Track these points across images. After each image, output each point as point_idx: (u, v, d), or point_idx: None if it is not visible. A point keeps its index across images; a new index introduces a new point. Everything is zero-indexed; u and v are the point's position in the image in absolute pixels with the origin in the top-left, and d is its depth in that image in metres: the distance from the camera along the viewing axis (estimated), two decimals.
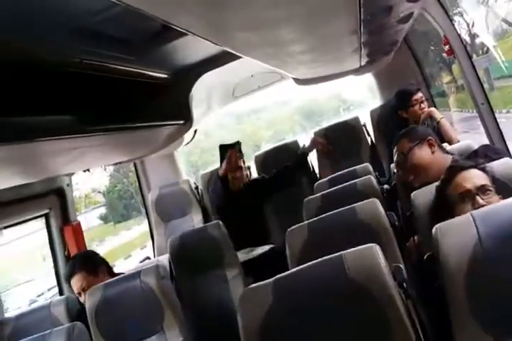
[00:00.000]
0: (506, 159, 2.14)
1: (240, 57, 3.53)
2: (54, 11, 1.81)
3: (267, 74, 4.83)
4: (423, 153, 2.47)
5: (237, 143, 3.92)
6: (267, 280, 1.56)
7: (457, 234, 1.32)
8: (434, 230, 1.36)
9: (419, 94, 3.96)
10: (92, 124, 2.45)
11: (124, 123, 2.78)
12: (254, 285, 1.58)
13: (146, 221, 4.86)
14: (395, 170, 2.70)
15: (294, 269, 1.58)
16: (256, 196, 3.90)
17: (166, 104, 3.59)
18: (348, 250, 1.52)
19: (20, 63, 1.99)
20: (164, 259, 3.18)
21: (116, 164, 4.02)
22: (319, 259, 1.55)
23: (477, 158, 2.22)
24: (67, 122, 2.33)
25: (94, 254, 2.91)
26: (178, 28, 1.40)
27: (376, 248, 1.50)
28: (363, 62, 3.70)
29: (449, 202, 1.88)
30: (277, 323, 1.47)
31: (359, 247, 1.54)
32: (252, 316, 1.50)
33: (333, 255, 1.53)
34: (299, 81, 4.07)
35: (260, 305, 1.50)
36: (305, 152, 4.26)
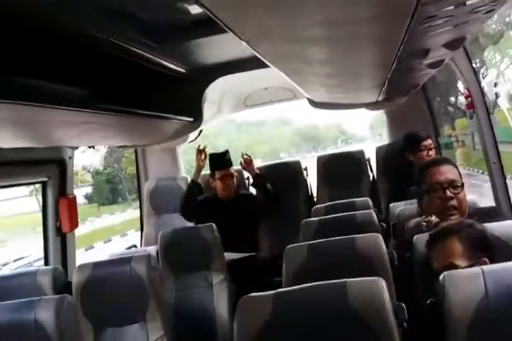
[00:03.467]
0: (510, 221, 2.15)
1: (259, 68, 3.60)
2: None
3: (281, 90, 4.90)
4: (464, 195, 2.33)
5: (227, 153, 4.02)
6: (267, 292, 1.56)
7: (465, 286, 1.32)
8: (441, 277, 1.36)
9: (429, 141, 4.00)
10: (105, 102, 2.45)
11: (136, 108, 2.79)
12: (253, 294, 1.58)
13: (131, 209, 4.88)
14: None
15: (296, 287, 1.58)
16: (248, 209, 3.92)
17: (180, 98, 3.61)
18: (353, 279, 1.53)
19: (48, 31, 2.01)
20: (152, 251, 3.19)
21: (120, 147, 4.02)
22: (322, 282, 1.55)
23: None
24: (81, 95, 2.32)
25: None
26: (218, 22, 1.38)
27: (382, 282, 1.51)
28: (380, 98, 3.73)
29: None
30: (272, 335, 1.47)
31: (364, 278, 1.55)
32: (249, 325, 1.50)
33: (337, 281, 1.54)
34: (313, 103, 4.09)
35: (258, 315, 1.50)
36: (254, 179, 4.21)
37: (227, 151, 4.05)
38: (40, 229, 3.47)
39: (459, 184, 2.24)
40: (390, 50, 1.96)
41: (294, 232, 2.93)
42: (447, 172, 2.27)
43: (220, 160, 3.95)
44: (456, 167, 2.37)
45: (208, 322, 2.99)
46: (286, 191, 4.60)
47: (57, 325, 1.84)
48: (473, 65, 3.50)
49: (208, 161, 4.07)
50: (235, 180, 3.95)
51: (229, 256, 3.44)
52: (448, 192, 2.22)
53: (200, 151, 4.07)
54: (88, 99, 2.34)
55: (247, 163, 4.16)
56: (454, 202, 2.23)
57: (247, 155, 4.19)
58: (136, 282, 2.42)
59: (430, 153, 3.94)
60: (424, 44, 2.08)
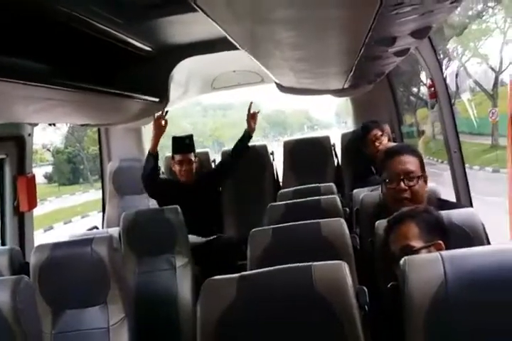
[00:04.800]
0: (469, 209, 2.22)
1: (228, 50, 3.56)
2: None
3: (249, 74, 4.87)
4: (423, 186, 2.30)
5: (190, 137, 3.96)
6: (231, 275, 1.56)
7: (424, 271, 1.34)
8: (402, 262, 1.38)
9: (377, 131, 4.02)
10: (67, 78, 2.39)
11: (100, 85, 2.73)
12: (218, 277, 1.58)
13: (92, 189, 4.81)
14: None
15: (261, 270, 1.59)
16: (207, 189, 3.93)
17: (146, 78, 3.55)
18: (317, 262, 1.54)
19: (11, 2, 1.93)
20: (114, 232, 3.14)
21: (83, 125, 3.92)
22: (287, 265, 1.56)
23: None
24: (42, 70, 2.26)
25: None
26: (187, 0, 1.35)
27: (345, 266, 1.53)
28: (346, 85, 3.76)
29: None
30: (236, 319, 1.47)
31: (328, 262, 1.56)
32: (213, 308, 1.49)
33: (302, 264, 1.54)
34: (281, 87, 4.08)
35: (222, 298, 1.50)
36: (247, 132, 4.20)
37: (191, 136, 4.00)
38: None
39: (417, 175, 2.24)
40: (358, 36, 1.97)
41: (259, 216, 2.94)
42: (407, 163, 2.27)
43: (181, 144, 3.91)
44: (420, 157, 2.36)
45: (171, 305, 2.99)
46: (252, 175, 4.63)
47: (14, 307, 1.80)
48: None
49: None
50: (194, 166, 3.89)
51: (193, 239, 3.44)
52: (402, 184, 2.22)
53: (158, 117, 3.84)
54: (49, 74, 2.28)
55: (253, 116, 4.15)
56: (407, 194, 2.24)
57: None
58: (97, 264, 2.39)
59: (376, 143, 3.98)
60: (392, 31, 2.10)
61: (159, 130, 3.80)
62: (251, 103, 4.20)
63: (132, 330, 2.38)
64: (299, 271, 1.53)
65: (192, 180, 3.88)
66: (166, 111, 3.91)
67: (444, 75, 5.36)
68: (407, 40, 2.36)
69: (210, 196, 4.01)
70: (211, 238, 3.71)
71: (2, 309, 1.79)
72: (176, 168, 3.89)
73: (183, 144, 3.91)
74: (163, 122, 3.81)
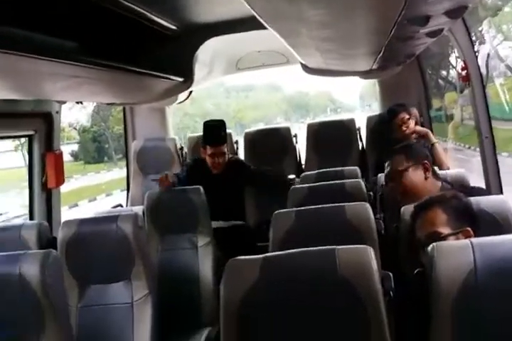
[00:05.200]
0: (499, 196, 2.19)
1: (254, 29, 3.53)
2: None
3: (275, 54, 4.84)
4: (416, 177, 2.45)
5: (223, 126, 3.73)
6: (255, 256, 1.56)
7: (454, 257, 1.32)
8: (430, 248, 1.36)
9: (404, 115, 3.97)
10: (95, 56, 2.39)
11: (126, 63, 2.73)
12: (241, 257, 1.57)
13: (117, 168, 4.86)
14: (384, 183, 2.69)
15: (285, 252, 1.58)
16: (236, 180, 3.80)
17: (171, 57, 3.54)
18: (342, 246, 1.52)
19: None
20: (138, 210, 3.16)
21: (109, 104, 3.94)
22: (311, 248, 1.55)
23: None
24: (71, 48, 2.27)
25: None
26: None
27: (370, 251, 1.50)
28: (374, 66, 3.69)
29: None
30: (259, 300, 1.47)
31: (353, 246, 1.54)
32: (236, 288, 1.49)
33: (326, 247, 1.53)
34: (307, 68, 4.03)
35: (245, 278, 1.49)
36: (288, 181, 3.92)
37: (223, 123, 3.74)
38: (26, 184, 3.44)
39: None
40: (390, 16, 1.92)
41: (281, 199, 2.93)
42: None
43: (215, 135, 3.65)
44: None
45: (192, 284, 3.01)
46: (275, 157, 4.61)
47: (42, 280, 1.82)
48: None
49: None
50: (226, 157, 3.70)
51: (215, 224, 3.42)
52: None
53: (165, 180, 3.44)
54: (78, 52, 2.29)
55: None
56: None
57: None
58: (122, 240, 2.42)
59: (403, 127, 3.92)
60: (425, 10, 2.04)
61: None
62: None
63: (155, 307, 2.41)
64: (323, 254, 1.52)
65: (221, 170, 3.71)
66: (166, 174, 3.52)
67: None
68: (440, 20, 2.31)
69: (236, 185, 3.86)
70: (234, 224, 3.67)
71: (30, 282, 1.82)
72: (207, 159, 3.66)
73: (217, 136, 3.65)
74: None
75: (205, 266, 3.06)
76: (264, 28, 2.06)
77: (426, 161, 2.47)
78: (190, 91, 4.81)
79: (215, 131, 3.68)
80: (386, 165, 2.61)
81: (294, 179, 3.94)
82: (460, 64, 3.30)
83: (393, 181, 2.53)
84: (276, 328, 1.46)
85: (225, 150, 3.67)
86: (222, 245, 3.25)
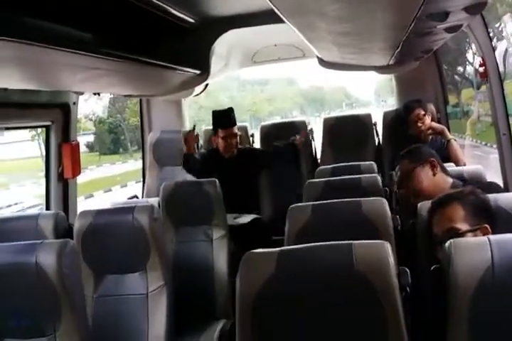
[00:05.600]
0: None
1: (271, 23, 3.53)
2: None
3: (291, 48, 4.83)
4: (423, 176, 2.44)
5: (231, 111, 3.90)
6: (271, 249, 1.56)
7: (471, 254, 1.32)
8: (447, 244, 1.35)
9: (420, 111, 3.96)
10: (112, 48, 2.41)
11: (143, 56, 2.74)
12: (257, 250, 1.57)
13: (132, 160, 4.89)
14: (396, 189, 2.69)
15: (302, 245, 1.57)
16: (248, 165, 3.90)
17: (188, 50, 3.55)
18: (359, 241, 1.51)
19: None
20: (154, 202, 3.18)
21: (126, 96, 3.96)
22: (328, 242, 1.54)
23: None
24: (89, 39, 2.28)
25: None
26: None
27: (387, 246, 1.49)
28: (391, 61, 3.67)
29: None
30: (275, 293, 1.47)
31: (370, 241, 1.53)
32: (252, 281, 1.49)
33: (343, 242, 1.52)
34: (323, 62, 4.02)
35: (261, 272, 1.49)
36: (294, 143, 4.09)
37: (231, 109, 3.95)
38: (42, 174, 3.48)
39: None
40: (409, 11, 1.91)
41: (297, 193, 2.92)
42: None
43: (224, 119, 3.86)
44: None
45: (207, 276, 3.02)
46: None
47: (59, 269, 1.84)
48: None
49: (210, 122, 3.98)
50: (238, 139, 3.88)
51: (231, 220, 3.45)
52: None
53: (191, 131, 3.89)
54: (97, 44, 2.30)
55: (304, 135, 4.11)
56: None
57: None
58: (138, 232, 2.43)
59: (419, 124, 3.90)
60: (445, 5, 2.03)
61: (191, 142, 3.84)
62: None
63: (170, 298, 2.43)
64: (340, 248, 1.51)
65: (233, 154, 3.87)
66: (194, 126, 3.94)
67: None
68: (459, 16, 2.29)
69: (250, 172, 3.98)
70: (250, 220, 3.69)
71: (47, 271, 1.84)
72: (220, 143, 3.84)
73: (227, 118, 3.86)
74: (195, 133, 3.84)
75: (219, 258, 3.07)
76: (282, 21, 2.06)
77: (432, 159, 2.47)
78: (207, 84, 4.81)
79: (223, 115, 3.87)
80: (394, 173, 2.62)
81: (311, 130, 4.01)
82: (477, 60, 3.27)
83: (404, 187, 2.53)
84: (292, 322, 1.46)
85: (236, 131, 3.84)
86: (236, 239, 3.26)
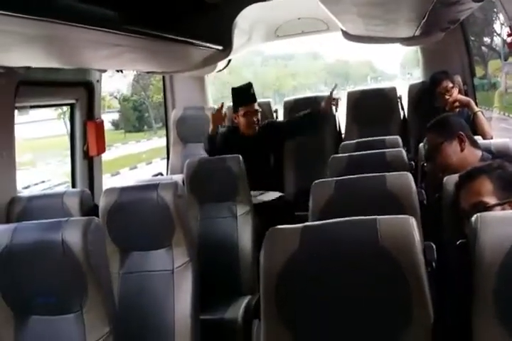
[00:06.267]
0: None
1: None
2: None
3: (315, 21, 4.75)
4: (451, 151, 2.40)
5: (250, 87, 3.85)
6: (295, 225, 1.54)
7: (498, 229, 1.28)
8: (474, 219, 1.32)
9: (448, 83, 3.89)
10: (135, 24, 2.39)
11: (166, 32, 2.72)
12: (281, 226, 1.56)
13: (156, 137, 4.92)
14: (423, 163, 2.65)
15: (326, 221, 1.55)
16: (270, 140, 3.87)
17: (210, 25, 3.50)
18: (383, 216, 1.49)
19: None
20: (178, 179, 3.20)
21: (149, 72, 3.96)
22: (352, 218, 1.52)
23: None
24: (111, 16, 2.25)
25: None
26: None
27: (413, 221, 1.47)
28: (417, 33, 3.59)
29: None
30: (299, 270, 1.47)
31: (395, 216, 1.51)
32: (276, 256, 1.49)
33: (367, 217, 1.50)
34: (348, 35, 3.95)
35: (285, 248, 1.48)
36: (319, 109, 4.03)
37: (250, 85, 3.89)
38: (68, 152, 3.51)
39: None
40: None
41: (321, 168, 2.90)
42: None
43: (244, 95, 3.82)
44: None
45: (232, 252, 3.04)
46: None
47: (84, 247, 1.85)
48: None
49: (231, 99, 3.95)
50: (259, 116, 3.84)
51: (255, 196, 3.44)
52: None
53: (218, 110, 3.86)
54: (119, 21, 2.28)
55: (332, 101, 3.98)
56: None
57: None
58: (162, 208, 2.43)
59: (446, 96, 3.84)
60: None
61: (219, 121, 3.81)
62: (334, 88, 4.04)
63: (195, 274, 2.44)
64: (364, 224, 1.49)
65: (255, 131, 3.84)
66: (222, 104, 3.90)
67: None
68: None
69: (272, 148, 3.96)
70: (270, 199, 3.66)
71: (73, 248, 1.85)
72: (241, 120, 3.81)
73: (247, 95, 3.82)
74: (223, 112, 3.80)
75: (244, 234, 3.08)
76: None
77: (461, 132, 2.41)
78: (229, 60, 4.78)
79: (243, 91, 3.83)
80: (423, 144, 2.57)
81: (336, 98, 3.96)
82: (505, 30, 3.17)
83: (432, 160, 2.49)
84: (316, 297, 1.46)
85: (257, 107, 3.80)
86: (261, 215, 3.27)
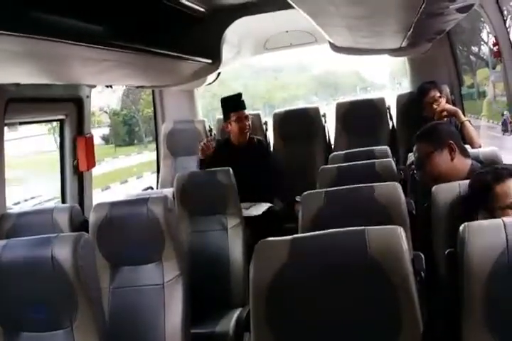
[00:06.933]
0: None
1: (282, 9, 3.50)
2: None
3: (303, 34, 4.81)
4: (442, 161, 2.40)
5: (240, 95, 3.88)
6: (284, 237, 1.55)
7: (486, 237, 1.30)
8: (462, 228, 1.33)
9: (435, 93, 3.92)
10: (123, 40, 2.41)
11: (154, 46, 2.73)
12: (270, 238, 1.57)
13: (147, 151, 4.91)
14: (414, 171, 2.66)
15: (315, 233, 1.57)
16: (258, 158, 3.87)
17: (198, 39, 3.54)
18: (371, 227, 1.50)
19: None
20: (168, 193, 3.19)
21: (138, 87, 3.96)
22: (341, 229, 1.53)
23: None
24: (99, 32, 2.28)
25: None
26: None
27: (401, 231, 1.48)
28: (404, 44, 3.63)
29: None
30: (288, 281, 1.47)
31: (383, 227, 1.52)
32: (265, 268, 1.49)
33: (355, 228, 1.51)
34: (335, 47, 3.98)
35: (274, 260, 1.49)
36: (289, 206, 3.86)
37: (240, 94, 3.93)
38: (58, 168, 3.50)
39: None
40: None
41: (310, 179, 2.90)
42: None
43: (234, 102, 3.85)
44: None
45: (223, 265, 3.04)
46: (303, 137, 4.59)
47: (74, 262, 1.85)
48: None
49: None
50: (250, 122, 3.87)
51: (245, 208, 3.44)
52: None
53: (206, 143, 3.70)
54: (107, 36, 2.30)
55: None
56: None
57: None
58: (152, 223, 2.44)
59: (434, 105, 3.87)
60: None
61: (208, 151, 3.69)
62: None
63: (186, 287, 2.44)
64: (353, 234, 1.50)
65: (245, 141, 3.86)
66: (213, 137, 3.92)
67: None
68: None
69: (259, 163, 3.94)
70: (264, 210, 3.64)
71: (63, 264, 1.85)
72: (234, 126, 3.81)
73: (237, 102, 3.85)
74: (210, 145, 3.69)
75: (235, 247, 3.08)
76: (292, 7, 2.04)
77: (451, 142, 2.43)
78: (219, 73, 4.80)
79: (233, 99, 3.87)
80: (413, 152, 2.59)
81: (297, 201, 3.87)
82: (492, 39, 3.23)
83: (422, 168, 2.50)
84: (305, 309, 1.46)
85: (247, 114, 3.84)
86: (251, 227, 3.26)
